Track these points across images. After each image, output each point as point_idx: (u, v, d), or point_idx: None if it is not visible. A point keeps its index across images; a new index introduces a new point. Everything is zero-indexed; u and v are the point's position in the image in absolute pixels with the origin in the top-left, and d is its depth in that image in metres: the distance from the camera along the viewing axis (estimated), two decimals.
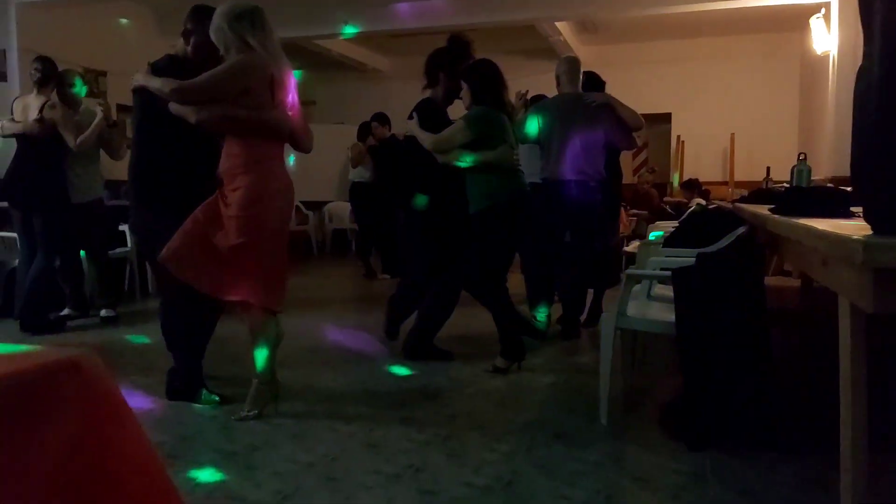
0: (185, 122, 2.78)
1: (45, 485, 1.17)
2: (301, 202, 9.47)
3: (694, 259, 2.64)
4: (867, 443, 1.63)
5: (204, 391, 3.08)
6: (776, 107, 9.30)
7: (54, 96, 4.78)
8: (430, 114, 3.85)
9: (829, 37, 6.53)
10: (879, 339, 1.93)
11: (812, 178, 3.54)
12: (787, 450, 2.51)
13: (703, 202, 6.42)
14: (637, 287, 3.12)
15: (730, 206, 4.08)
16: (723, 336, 2.55)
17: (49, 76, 4.82)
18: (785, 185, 3.99)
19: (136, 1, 7.72)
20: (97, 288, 5.11)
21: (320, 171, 9.32)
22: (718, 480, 2.29)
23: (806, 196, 2.57)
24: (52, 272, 4.78)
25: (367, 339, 4.33)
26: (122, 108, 6.21)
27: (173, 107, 2.79)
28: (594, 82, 4.66)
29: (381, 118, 7.39)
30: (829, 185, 4.29)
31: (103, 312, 5.04)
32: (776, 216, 2.38)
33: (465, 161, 3.60)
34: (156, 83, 2.82)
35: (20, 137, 4.76)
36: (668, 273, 2.68)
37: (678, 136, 9.99)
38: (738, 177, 9.05)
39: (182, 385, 3.10)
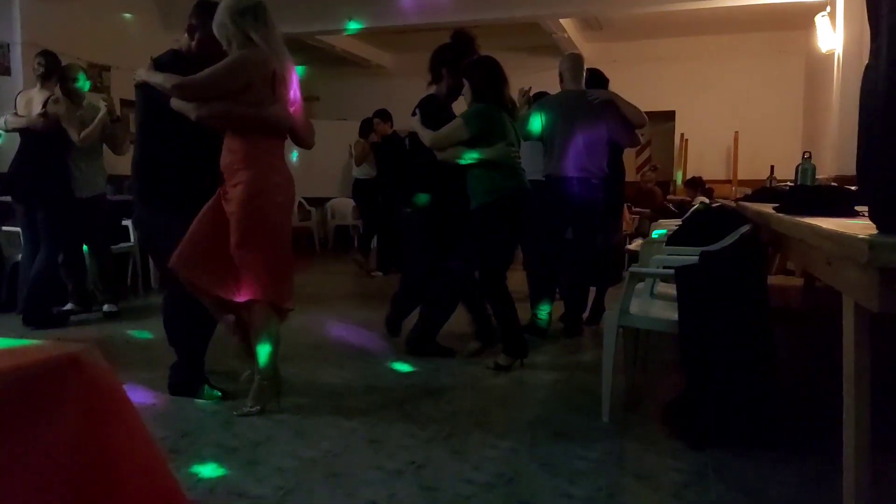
0: (188, 118, 2.78)
1: (45, 480, 1.17)
2: (303, 198, 9.47)
3: (697, 257, 2.64)
4: (870, 442, 1.63)
5: (206, 386, 3.08)
6: (780, 105, 9.27)
7: (58, 91, 4.78)
8: (434, 110, 3.85)
9: (834, 35, 6.50)
10: (882, 338, 1.92)
11: (816, 176, 3.52)
12: (789, 449, 2.51)
13: (707, 200, 6.40)
14: (640, 285, 3.12)
15: (733, 204, 4.07)
16: (725, 335, 2.55)
17: (52, 71, 4.82)
18: (789, 183, 3.98)
19: None
20: (100, 283, 5.12)
21: (323, 167, 9.33)
22: (720, 479, 2.28)
23: (810, 195, 2.56)
24: (55, 267, 4.79)
25: (369, 336, 4.33)
26: (125, 104, 6.20)
27: (174, 103, 2.79)
28: (598, 79, 4.65)
29: (383, 115, 7.37)
30: (833, 183, 4.28)
31: (106, 307, 5.05)
32: (780, 215, 2.37)
33: (464, 158, 3.60)
34: (158, 79, 2.82)
35: (24, 132, 4.77)
36: (672, 271, 2.68)
37: (682, 134, 9.97)
38: (742, 175, 9.03)
39: (184, 380, 3.11)
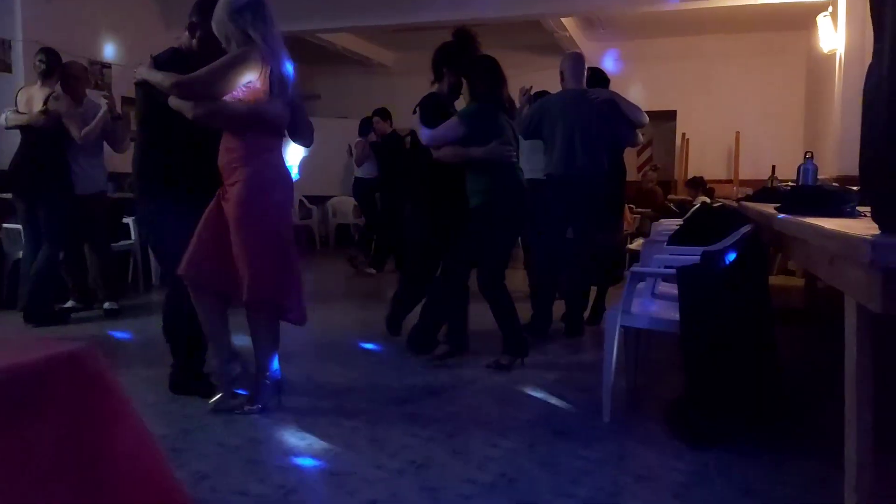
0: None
1: (42, 476, 1.17)
2: (304, 197, 9.46)
3: (698, 257, 2.64)
4: (872, 442, 1.63)
5: (206, 385, 3.07)
6: (782, 105, 9.25)
7: (59, 88, 4.78)
8: (434, 109, 3.84)
9: (835, 35, 6.49)
10: (884, 338, 1.92)
11: (818, 176, 3.52)
12: (791, 449, 2.51)
13: (708, 200, 6.40)
14: (641, 285, 3.12)
15: (735, 204, 4.07)
16: (727, 334, 2.55)
17: (53, 68, 4.82)
18: (790, 183, 3.97)
19: None
20: (100, 280, 5.12)
21: (324, 165, 9.31)
22: (722, 479, 2.28)
23: (812, 195, 2.55)
24: (56, 264, 4.79)
25: (370, 335, 4.33)
26: (126, 101, 6.20)
27: (173, 101, 2.77)
28: (598, 78, 4.65)
29: (383, 113, 7.35)
30: (835, 184, 4.27)
31: (106, 305, 5.05)
32: (782, 215, 2.37)
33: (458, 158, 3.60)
34: (157, 77, 2.81)
35: (24, 129, 4.76)
36: (673, 271, 2.68)
37: (683, 134, 9.96)
38: (743, 175, 9.02)
39: (185, 378, 3.10)
